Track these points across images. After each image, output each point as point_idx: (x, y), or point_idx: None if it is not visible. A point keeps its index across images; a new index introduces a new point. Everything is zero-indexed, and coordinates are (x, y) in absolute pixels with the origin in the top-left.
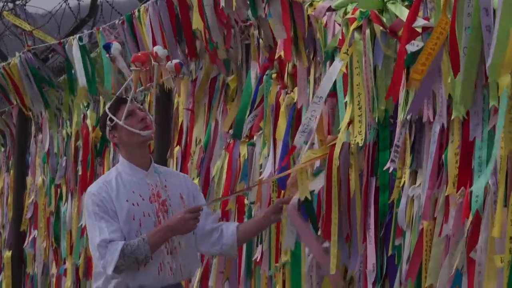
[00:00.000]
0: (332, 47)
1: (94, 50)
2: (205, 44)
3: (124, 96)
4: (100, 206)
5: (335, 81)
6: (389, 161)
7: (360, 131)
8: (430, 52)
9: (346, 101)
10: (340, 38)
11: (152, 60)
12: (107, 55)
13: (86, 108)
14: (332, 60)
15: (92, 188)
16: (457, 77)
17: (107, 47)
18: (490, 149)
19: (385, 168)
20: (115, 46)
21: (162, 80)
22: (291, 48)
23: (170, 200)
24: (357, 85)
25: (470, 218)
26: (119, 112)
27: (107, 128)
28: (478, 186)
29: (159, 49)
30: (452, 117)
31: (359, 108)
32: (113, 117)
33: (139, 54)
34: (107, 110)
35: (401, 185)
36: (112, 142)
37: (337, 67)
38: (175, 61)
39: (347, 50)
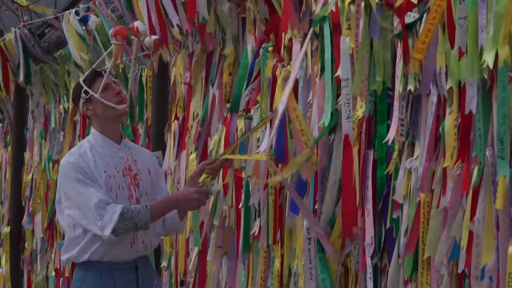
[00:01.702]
0: (321, 16)
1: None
2: (193, 19)
3: (100, 69)
4: (83, 173)
5: (333, 56)
6: (388, 133)
7: (362, 105)
8: (430, 28)
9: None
10: (334, 10)
11: (132, 35)
12: (84, 28)
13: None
14: (321, 28)
15: (68, 158)
16: (453, 48)
17: (85, 20)
18: (487, 121)
19: (384, 141)
20: (93, 19)
21: (138, 56)
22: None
23: (141, 174)
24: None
25: (471, 190)
26: (94, 85)
27: (81, 101)
28: (479, 158)
29: (139, 24)
30: (447, 88)
31: (362, 82)
32: (88, 90)
33: (119, 28)
34: (82, 83)
35: (395, 156)
36: (85, 114)
37: (345, 45)
38: (154, 37)
39: (349, 26)
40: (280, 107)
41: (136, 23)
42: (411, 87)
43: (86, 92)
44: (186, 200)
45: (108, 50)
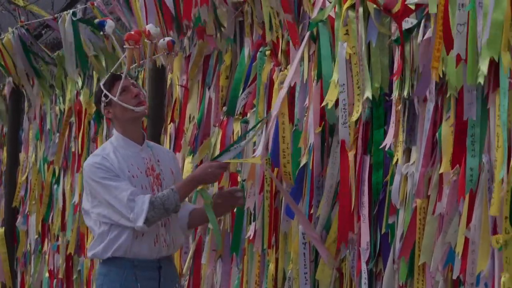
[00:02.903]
0: (318, 20)
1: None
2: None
3: (119, 73)
4: (109, 171)
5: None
6: (386, 138)
7: (358, 110)
8: (441, 35)
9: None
10: (332, 16)
11: (145, 38)
12: (101, 33)
13: (81, 86)
14: (317, 32)
15: (93, 159)
16: (449, 54)
17: (101, 25)
18: (484, 127)
19: (381, 147)
20: (109, 24)
21: (155, 58)
22: (297, 33)
23: (164, 174)
24: (354, 64)
25: (467, 196)
26: (113, 88)
27: (102, 104)
28: (473, 164)
29: (151, 28)
30: (448, 95)
31: (358, 87)
32: (107, 93)
33: (133, 33)
34: (102, 86)
35: (394, 162)
36: (106, 117)
37: (342, 51)
38: (167, 39)
39: (347, 31)
40: (274, 111)
41: (148, 26)
42: (405, 93)
43: (106, 96)
44: (211, 176)
45: (124, 55)
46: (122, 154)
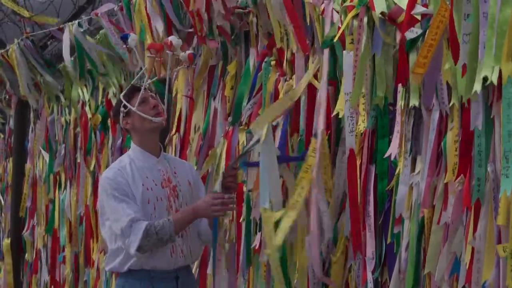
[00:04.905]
0: (331, 36)
1: (94, 36)
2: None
3: (138, 85)
4: (119, 189)
5: (334, 69)
6: (390, 148)
7: (364, 119)
8: (431, 44)
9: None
10: (340, 26)
11: (167, 49)
12: (124, 46)
13: (88, 99)
14: (332, 48)
15: (107, 173)
16: (457, 64)
17: (125, 38)
18: (489, 137)
19: (385, 156)
20: (132, 37)
21: (176, 70)
22: (306, 41)
23: (180, 185)
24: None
25: (472, 205)
26: (133, 99)
27: (121, 115)
28: (479, 174)
29: (173, 39)
30: (450, 104)
31: (363, 96)
32: (127, 104)
33: (155, 43)
34: (121, 98)
35: (397, 172)
36: (124, 128)
37: (349, 60)
38: (188, 51)
39: (352, 40)
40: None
41: (170, 38)
42: (415, 103)
43: (125, 106)
44: (205, 209)
45: (146, 67)
46: (138, 167)
